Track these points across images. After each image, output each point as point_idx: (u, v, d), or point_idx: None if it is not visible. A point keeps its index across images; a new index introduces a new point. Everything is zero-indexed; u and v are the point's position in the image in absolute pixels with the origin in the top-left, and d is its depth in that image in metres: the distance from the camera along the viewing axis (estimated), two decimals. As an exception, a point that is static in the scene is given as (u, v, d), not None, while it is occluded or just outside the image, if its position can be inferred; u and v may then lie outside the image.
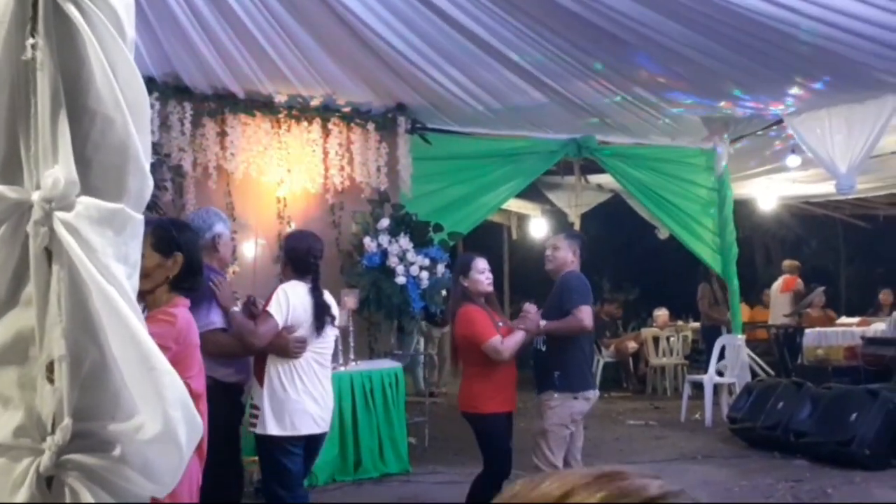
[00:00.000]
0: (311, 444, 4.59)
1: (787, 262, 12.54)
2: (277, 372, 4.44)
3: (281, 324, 4.40)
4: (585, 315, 5.02)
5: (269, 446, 4.45)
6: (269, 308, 4.40)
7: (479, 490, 4.90)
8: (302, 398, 4.46)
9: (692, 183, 9.59)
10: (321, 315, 4.57)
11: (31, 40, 1.52)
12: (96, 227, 1.54)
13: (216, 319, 4.25)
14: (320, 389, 4.56)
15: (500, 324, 5.02)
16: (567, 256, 5.25)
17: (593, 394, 5.19)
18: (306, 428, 4.48)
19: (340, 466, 6.75)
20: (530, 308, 5.04)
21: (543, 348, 5.10)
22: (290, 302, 4.45)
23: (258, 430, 4.43)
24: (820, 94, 7.58)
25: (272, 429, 4.40)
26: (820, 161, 8.07)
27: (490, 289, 5.08)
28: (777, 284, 12.25)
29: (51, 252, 1.52)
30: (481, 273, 4.99)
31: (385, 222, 7.79)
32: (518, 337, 4.91)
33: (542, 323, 4.98)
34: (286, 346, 4.42)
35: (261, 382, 4.45)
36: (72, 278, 1.50)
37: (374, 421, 6.93)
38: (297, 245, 4.70)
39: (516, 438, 5.11)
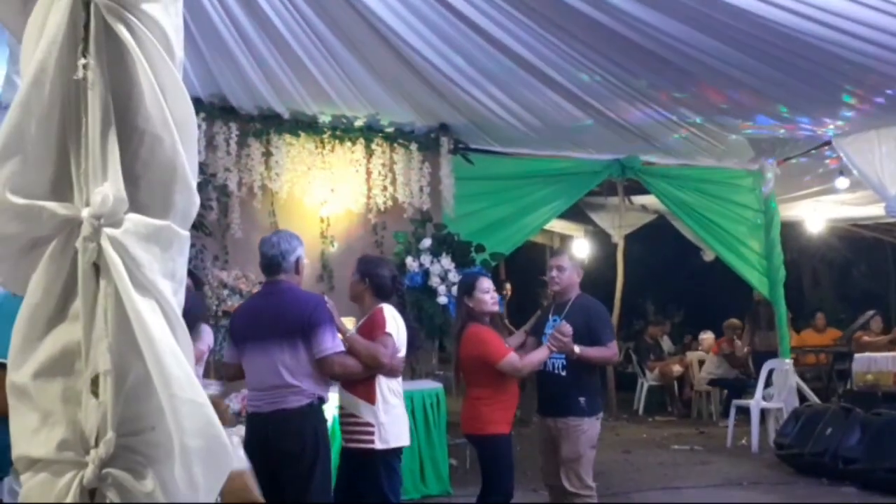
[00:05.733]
0: None
1: (728, 322, 11.83)
2: (388, 389, 4.61)
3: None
4: (616, 350, 5.34)
5: (388, 458, 4.58)
6: (388, 330, 4.56)
7: None
8: (404, 412, 4.73)
9: (738, 204, 9.47)
10: (413, 337, 4.85)
11: (82, 60, 1.56)
12: (143, 243, 1.56)
13: (340, 343, 4.39)
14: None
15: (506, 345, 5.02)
16: (573, 277, 5.27)
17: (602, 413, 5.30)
18: (409, 435, 4.81)
19: (381, 487, 6.73)
20: (567, 330, 4.91)
21: (564, 374, 5.04)
22: (399, 324, 4.65)
23: (379, 446, 4.52)
24: (869, 115, 7.46)
25: (394, 441, 4.59)
26: (869, 183, 7.95)
27: (496, 308, 5.09)
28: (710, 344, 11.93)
29: (99, 267, 1.54)
30: (486, 293, 4.98)
31: (427, 242, 7.79)
32: (541, 355, 4.92)
33: (578, 349, 4.92)
34: (398, 366, 4.65)
35: (369, 400, 4.55)
36: (118, 294, 1.53)
37: (416, 442, 6.90)
38: (382, 271, 4.83)
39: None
